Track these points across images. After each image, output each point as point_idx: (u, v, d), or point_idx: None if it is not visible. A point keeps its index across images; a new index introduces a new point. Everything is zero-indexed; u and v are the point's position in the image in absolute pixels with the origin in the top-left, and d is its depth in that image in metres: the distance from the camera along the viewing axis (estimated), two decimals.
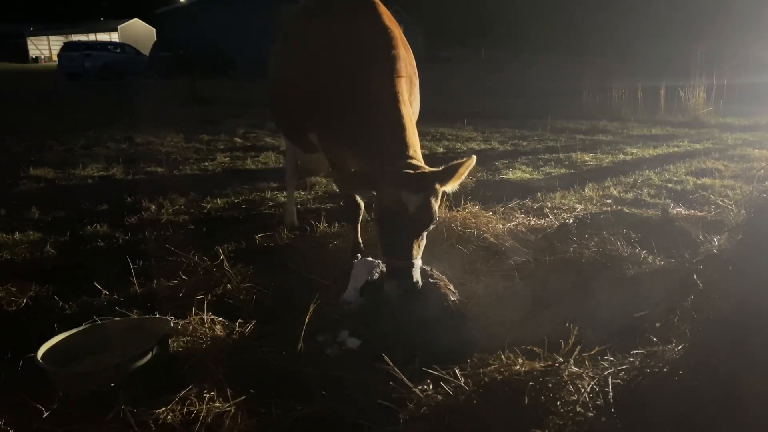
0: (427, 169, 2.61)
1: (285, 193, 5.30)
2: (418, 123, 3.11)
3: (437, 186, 2.57)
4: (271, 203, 5.09)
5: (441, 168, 2.65)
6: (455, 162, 2.63)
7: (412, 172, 2.53)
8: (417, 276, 2.50)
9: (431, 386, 1.97)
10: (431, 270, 2.75)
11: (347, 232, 3.89)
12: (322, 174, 4.32)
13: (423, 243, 2.59)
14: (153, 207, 4.85)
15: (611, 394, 1.76)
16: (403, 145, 2.68)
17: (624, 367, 1.90)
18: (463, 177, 2.65)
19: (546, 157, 7.25)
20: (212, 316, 2.60)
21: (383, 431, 1.90)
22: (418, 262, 2.53)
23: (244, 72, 26.08)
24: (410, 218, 2.48)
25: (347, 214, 3.54)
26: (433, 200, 2.53)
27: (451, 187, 2.65)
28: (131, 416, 1.91)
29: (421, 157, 2.74)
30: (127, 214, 4.68)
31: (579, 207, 4.60)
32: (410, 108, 2.86)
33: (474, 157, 2.68)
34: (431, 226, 2.58)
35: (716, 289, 2.08)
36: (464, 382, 1.91)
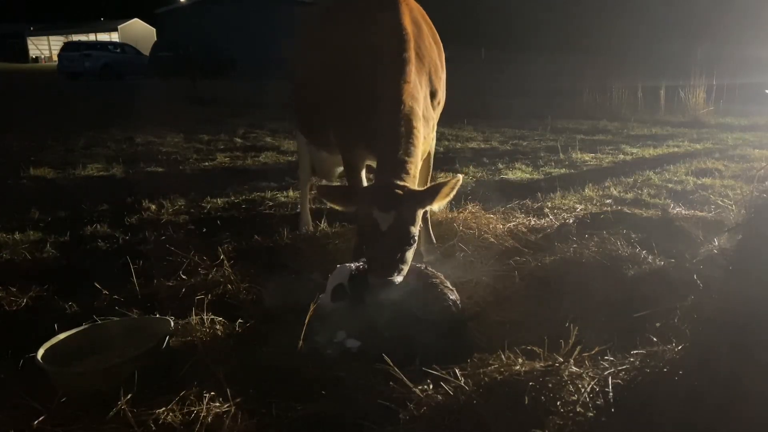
0: (410, 188, 2.57)
1: (284, 194, 5.32)
2: None
3: (417, 207, 2.55)
4: (271, 203, 5.09)
5: (424, 188, 2.66)
6: (440, 182, 2.61)
7: (388, 191, 2.50)
8: (393, 294, 2.47)
9: (431, 386, 1.97)
10: (427, 268, 2.75)
11: (348, 232, 3.89)
12: (336, 176, 4.30)
13: (407, 262, 2.55)
14: (153, 207, 4.85)
15: (611, 394, 1.76)
16: (394, 163, 2.64)
17: (624, 367, 1.90)
18: (450, 197, 2.63)
19: (546, 157, 7.24)
20: (212, 316, 2.60)
21: (383, 431, 1.90)
22: (396, 280, 2.49)
23: (244, 72, 26.09)
24: (384, 237, 2.46)
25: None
26: (408, 221, 2.50)
27: (437, 206, 2.64)
28: (131, 416, 1.91)
29: (416, 170, 2.70)
30: (127, 214, 4.68)
31: (579, 207, 4.60)
32: (415, 115, 2.78)
33: (460, 177, 2.67)
34: (410, 248, 2.54)
35: (716, 289, 2.08)
36: (464, 382, 1.91)
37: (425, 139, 2.93)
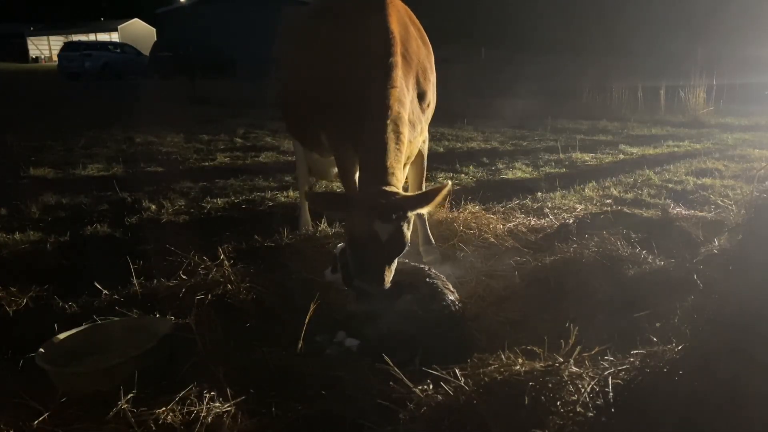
0: (400, 194, 2.58)
1: (284, 194, 5.31)
2: None
3: (413, 214, 2.57)
4: (271, 203, 5.09)
5: (415, 194, 2.67)
6: (430, 189, 2.62)
7: (383, 201, 2.50)
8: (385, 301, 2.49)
9: (431, 386, 1.97)
10: (426, 268, 2.75)
11: None
12: (332, 178, 4.30)
13: (393, 267, 2.57)
14: (153, 207, 4.85)
15: (611, 394, 1.76)
16: (382, 168, 2.63)
17: (624, 367, 1.90)
18: (439, 202, 2.65)
19: (546, 157, 7.25)
20: (212, 316, 2.60)
21: (383, 431, 1.90)
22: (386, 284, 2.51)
23: (244, 72, 26.06)
24: (381, 246, 2.47)
25: None
26: (404, 228, 2.52)
27: (425, 211, 2.66)
28: (131, 416, 1.91)
29: (400, 177, 2.70)
30: (127, 214, 4.69)
31: (579, 207, 4.60)
32: (401, 120, 2.77)
33: (450, 184, 2.68)
34: (402, 253, 2.56)
35: (716, 290, 2.08)
36: (464, 382, 1.91)
37: (410, 143, 2.92)
